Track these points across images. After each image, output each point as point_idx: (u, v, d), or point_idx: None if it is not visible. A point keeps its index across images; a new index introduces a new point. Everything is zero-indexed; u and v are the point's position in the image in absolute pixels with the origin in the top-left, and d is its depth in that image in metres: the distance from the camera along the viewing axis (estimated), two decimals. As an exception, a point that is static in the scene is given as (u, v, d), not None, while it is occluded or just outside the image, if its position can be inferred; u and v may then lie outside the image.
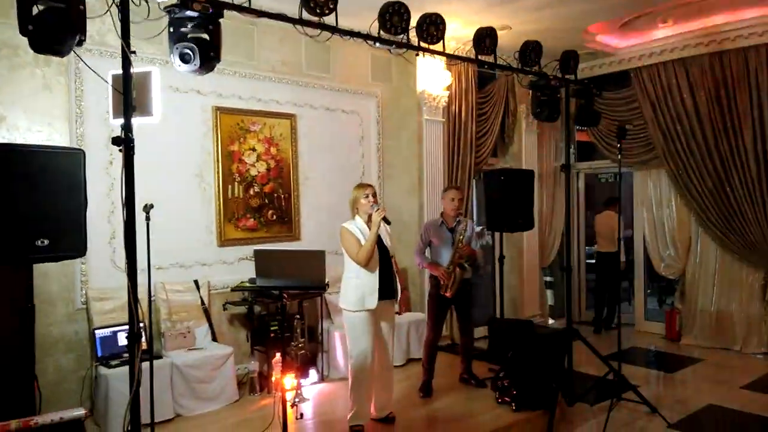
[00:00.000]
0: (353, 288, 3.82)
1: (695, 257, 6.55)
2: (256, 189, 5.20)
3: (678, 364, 5.87)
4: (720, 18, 5.86)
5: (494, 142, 6.80)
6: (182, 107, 4.79)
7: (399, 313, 4.26)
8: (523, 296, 7.16)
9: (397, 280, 4.13)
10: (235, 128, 5.08)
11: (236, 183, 5.08)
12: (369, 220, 3.87)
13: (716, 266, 6.38)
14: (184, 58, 2.68)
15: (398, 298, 4.18)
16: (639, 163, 6.92)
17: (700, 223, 6.41)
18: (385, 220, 3.76)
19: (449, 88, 6.23)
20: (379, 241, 3.84)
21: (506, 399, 4.34)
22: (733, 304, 6.26)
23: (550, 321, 7.56)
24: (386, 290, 3.88)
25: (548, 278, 7.90)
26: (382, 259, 3.86)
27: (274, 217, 5.32)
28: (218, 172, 4.97)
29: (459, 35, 5.72)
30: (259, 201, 5.21)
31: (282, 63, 5.39)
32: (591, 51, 6.62)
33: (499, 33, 5.96)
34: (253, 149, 5.18)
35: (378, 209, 3.74)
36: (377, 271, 3.82)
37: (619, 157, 4.57)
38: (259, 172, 5.21)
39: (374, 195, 3.89)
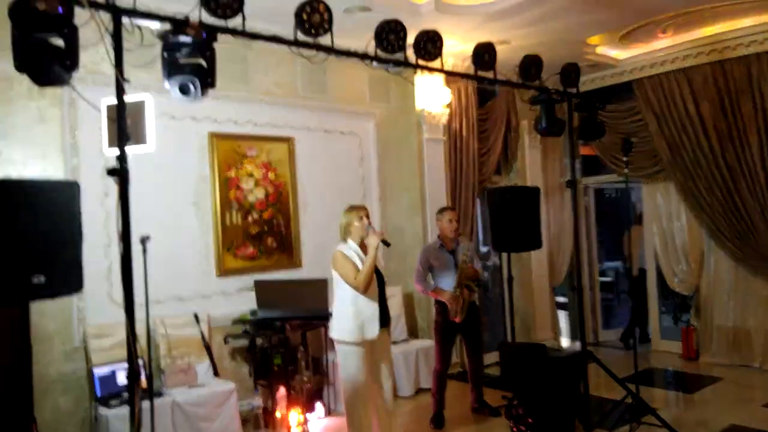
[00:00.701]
0: (351, 316, 3.59)
1: (709, 271, 6.38)
2: (255, 216, 5.07)
3: (697, 383, 5.66)
4: (720, 27, 5.79)
5: (497, 159, 6.69)
6: (177, 134, 4.69)
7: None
8: (534, 318, 6.97)
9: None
10: (232, 153, 4.97)
11: (234, 210, 4.95)
12: (362, 244, 3.70)
13: (731, 280, 6.19)
14: (184, 90, 2.58)
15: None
16: (646, 176, 6.79)
17: (711, 235, 6.25)
18: (385, 242, 3.58)
19: (449, 105, 6.14)
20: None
21: (522, 428, 4.13)
22: (750, 319, 6.06)
23: (564, 343, 7.36)
24: (383, 318, 3.68)
25: (561, 299, 7.71)
26: (378, 284, 3.68)
27: (274, 244, 5.19)
28: (216, 200, 4.85)
29: (457, 51, 5.65)
30: (258, 228, 5.08)
31: (277, 85, 5.30)
32: (592, 63, 6.54)
33: (498, 48, 5.91)
34: (251, 175, 5.07)
35: (374, 231, 3.58)
36: (375, 297, 3.62)
37: (626, 170, 4.44)
38: (257, 198, 5.09)
39: (368, 216, 3.73)
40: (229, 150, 4.95)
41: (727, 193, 6.02)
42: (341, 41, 3.31)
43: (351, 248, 3.69)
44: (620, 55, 6.54)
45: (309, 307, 2.93)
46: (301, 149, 5.41)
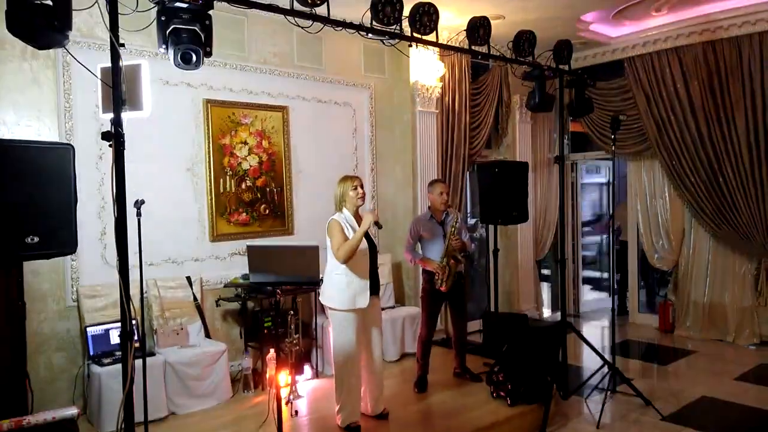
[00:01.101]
0: (343, 286, 3.70)
1: (688, 249, 6.56)
2: (249, 183, 5.14)
3: (672, 356, 5.89)
4: (713, 7, 5.83)
5: (488, 133, 6.75)
6: (172, 100, 4.71)
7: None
8: (518, 290, 7.15)
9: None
10: (226, 121, 5.01)
11: (228, 177, 5.01)
12: (357, 213, 3.80)
13: (709, 257, 6.39)
14: (185, 58, 2.62)
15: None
16: (633, 154, 6.91)
17: (693, 214, 6.42)
18: (377, 224, 3.65)
19: (442, 79, 6.17)
20: (367, 235, 3.76)
21: (501, 393, 4.32)
22: (725, 296, 6.27)
23: (546, 314, 7.57)
24: (373, 286, 3.80)
25: (545, 271, 7.89)
26: (371, 253, 3.79)
27: (267, 211, 5.27)
28: (210, 166, 4.90)
29: (452, 25, 5.65)
30: (251, 195, 5.16)
31: (273, 55, 5.31)
32: (584, 41, 6.58)
33: (493, 23, 5.91)
34: (245, 142, 5.11)
35: (369, 212, 3.68)
36: (366, 269, 3.73)
37: (613, 148, 4.54)
38: (251, 165, 5.15)
39: (362, 186, 3.82)
40: (223, 117, 4.98)
41: (711, 173, 6.15)
42: (338, 11, 3.34)
43: (345, 218, 3.77)
44: (613, 33, 6.57)
45: (300, 273, 3.02)
46: (296, 118, 5.45)
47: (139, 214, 3.23)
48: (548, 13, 5.61)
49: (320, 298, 3.91)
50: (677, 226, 6.64)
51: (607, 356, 4.62)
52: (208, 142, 4.89)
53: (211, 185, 4.91)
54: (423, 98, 6.06)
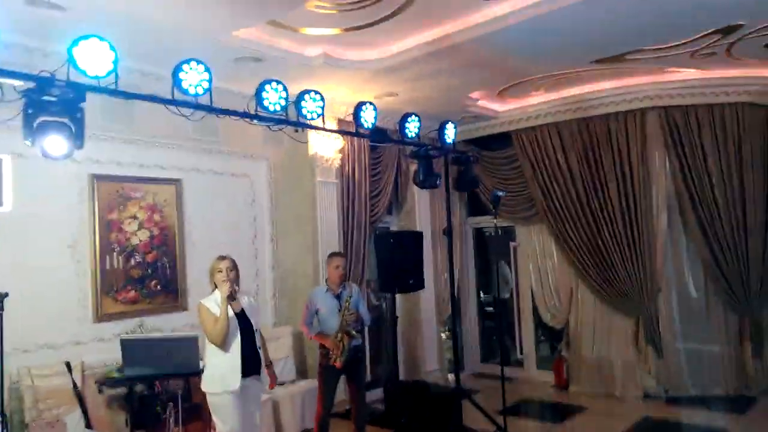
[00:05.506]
0: (214, 367, 3.64)
1: (577, 307, 6.97)
2: (138, 259, 4.96)
3: (565, 413, 6.14)
4: (584, 88, 6.47)
5: (389, 200, 6.96)
6: (54, 175, 4.51)
7: (271, 387, 4.09)
8: (423, 352, 7.24)
9: (263, 355, 3.91)
10: (115, 196, 4.86)
11: (115, 253, 4.82)
12: (231, 294, 3.72)
13: (594, 315, 6.81)
14: (46, 154, 2.57)
15: (263, 374, 3.90)
16: (523, 219, 7.35)
17: (578, 274, 6.87)
18: (231, 297, 3.63)
19: (342, 150, 6.34)
20: (242, 315, 3.72)
21: (399, 469, 4.31)
22: (611, 351, 6.68)
23: (450, 377, 7.67)
24: (250, 367, 3.70)
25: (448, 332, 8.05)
26: (244, 334, 3.70)
27: (159, 287, 5.09)
28: (94, 243, 4.70)
29: (350, 101, 5.87)
30: (140, 271, 4.98)
31: (164, 127, 5.21)
32: (474, 114, 7.03)
33: (388, 99, 6.21)
34: (135, 217, 4.97)
35: (223, 282, 3.61)
36: (238, 348, 3.64)
37: (495, 220, 4.87)
38: (141, 240, 4.99)
39: (231, 269, 3.71)
40: (111, 192, 4.84)
41: (591, 236, 6.66)
42: (235, 86, 3.38)
43: (214, 299, 3.70)
44: (499, 108, 7.09)
45: (178, 363, 2.94)
46: (190, 191, 5.38)
47: (1, 308, 3.01)
48: (438, 93, 5.97)
49: (201, 385, 3.78)
50: (565, 285, 7.06)
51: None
52: (94, 218, 4.71)
53: (96, 262, 4.70)
54: (322, 169, 6.17)
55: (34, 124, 2.55)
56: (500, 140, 7.45)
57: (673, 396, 6.30)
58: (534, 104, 6.89)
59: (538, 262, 7.32)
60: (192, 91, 3.10)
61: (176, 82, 3.02)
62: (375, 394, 6.44)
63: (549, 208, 6.94)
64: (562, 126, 6.82)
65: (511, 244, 7.69)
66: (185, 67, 3.03)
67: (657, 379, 6.44)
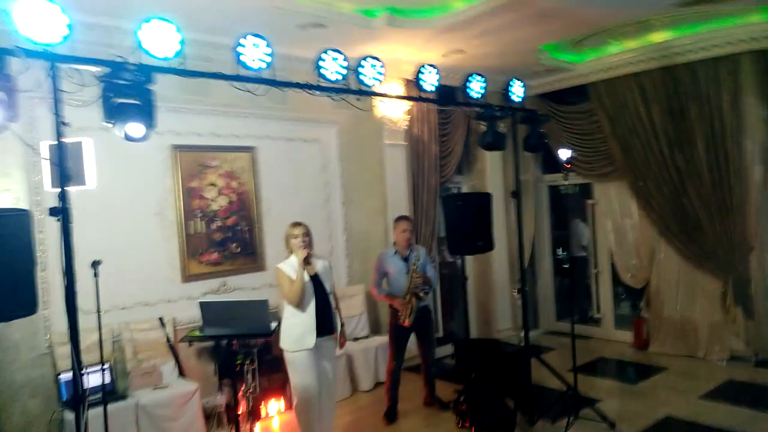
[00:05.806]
0: (291, 328, 3.89)
1: (659, 266, 6.68)
2: (219, 223, 5.29)
3: (644, 373, 5.99)
4: (668, 34, 6.00)
5: (458, 161, 6.90)
6: (140, 148, 4.80)
7: (341, 347, 4.29)
8: (496, 311, 7.27)
9: (338, 316, 4.14)
10: (194, 165, 5.16)
11: (198, 219, 5.16)
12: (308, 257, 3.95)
13: (679, 275, 6.51)
14: (127, 136, 2.79)
15: (338, 334, 4.13)
16: (600, 176, 7.05)
17: (660, 233, 6.55)
18: (306, 261, 3.84)
19: (409, 112, 6.32)
20: (316, 278, 3.93)
21: (466, 424, 4.44)
22: (696, 312, 6.39)
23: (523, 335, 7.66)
24: (324, 327, 3.93)
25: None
26: (318, 296, 3.93)
27: (239, 249, 5.41)
28: (179, 209, 5.05)
29: (417, 60, 5.80)
30: (221, 235, 5.30)
31: (238, 97, 5.41)
32: (547, 67, 6.73)
33: (455, 56, 6.07)
34: (213, 184, 5.26)
35: (301, 247, 3.84)
36: (313, 310, 3.88)
37: (566, 182, 4.71)
38: (220, 206, 5.30)
39: (306, 234, 3.93)
40: (191, 161, 5.14)
41: (675, 193, 6.30)
42: (298, 52, 3.41)
43: (291, 264, 3.93)
44: (575, 59, 6.73)
45: (252, 325, 3.18)
46: (264, 158, 5.60)
47: (96, 274, 3.36)
48: (507, 47, 5.76)
49: (279, 343, 4.05)
50: (647, 244, 6.77)
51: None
52: (177, 186, 5.04)
53: (181, 227, 5.06)
54: (390, 131, 6.21)
55: (112, 107, 2.76)
56: (576, 93, 7.11)
57: (764, 359, 5.96)
58: (612, 54, 6.48)
59: (618, 221, 7.04)
60: (254, 65, 3.21)
61: (237, 58, 3.13)
62: (446, 350, 6.59)
63: (629, 164, 6.61)
64: (643, 76, 6.39)
65: (588, 201, 7.42)
66: (244, 41, 3.13)
67: (746, 342, 6.11)
